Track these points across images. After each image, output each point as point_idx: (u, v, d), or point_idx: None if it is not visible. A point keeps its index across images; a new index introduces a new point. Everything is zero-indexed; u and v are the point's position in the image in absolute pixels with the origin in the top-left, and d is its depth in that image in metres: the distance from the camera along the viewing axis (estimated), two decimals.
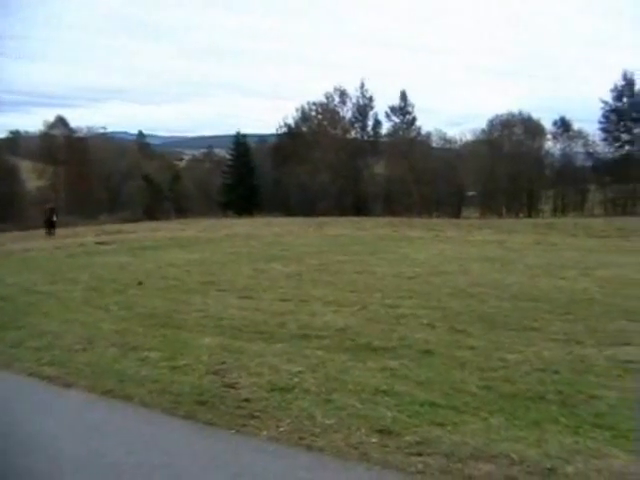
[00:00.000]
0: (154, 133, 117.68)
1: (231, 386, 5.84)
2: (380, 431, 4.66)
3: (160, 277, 13.42)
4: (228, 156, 68.35)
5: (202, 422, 5.09)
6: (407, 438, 4.51)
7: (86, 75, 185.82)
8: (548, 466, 4.01)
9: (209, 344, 7.41)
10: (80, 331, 8.42)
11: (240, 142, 66.73)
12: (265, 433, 4.78)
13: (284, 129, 68.06)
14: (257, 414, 5.13)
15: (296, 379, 5.94)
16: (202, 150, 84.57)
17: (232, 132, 69.70)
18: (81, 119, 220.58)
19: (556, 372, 6.03)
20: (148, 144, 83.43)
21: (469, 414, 4.96)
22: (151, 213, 57.87)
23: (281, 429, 4.81)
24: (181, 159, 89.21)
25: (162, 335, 7.99)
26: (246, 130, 70.13)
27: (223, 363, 6.57)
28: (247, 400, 5.45)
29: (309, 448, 4.48)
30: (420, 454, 4.27)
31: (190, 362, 6.66)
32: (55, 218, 33.36)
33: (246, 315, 9.06)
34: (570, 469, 3.97)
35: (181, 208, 63.47)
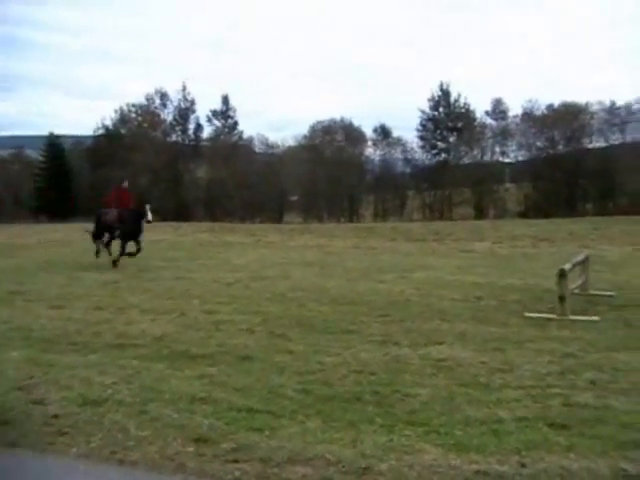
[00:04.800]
0: None
1: (39, 402, 5.48)
2: (197, 440, 4.56)
3: None
4: (40, 158, 64.79)
5: (4, 444, 4.69)
6: (224, 445, 4.45)
7: None
8: (363, 465, 4.11)
9: (16, 358, 6.93)
10: None
11: (53, 143, 63.67)
12: (75, 450, 4.50)
13: (101, 130, 65.67)
14: (66, 430, 4.83)
15: (109, 391, 5.70)
16: (10, 151, 79.28)
17: (44, 132, 66.54)
18: None
19: (373, 373, 6.24)
20: None
21: (286, 418, 4.99)
22: None
23: (92, 445, 4.56)
24: None
25: None
26: (60, 131, 67.13)
27: (31, 378, 6.16)
28: (56, 416, 5.12)
29: (121, 462, 4.28)
30: (237, 461, 4.22)
31: None
32: (150, 217, 16.90)
33: (58, 325, 8.63)
34: (384, 466, 4.09)
35: None
